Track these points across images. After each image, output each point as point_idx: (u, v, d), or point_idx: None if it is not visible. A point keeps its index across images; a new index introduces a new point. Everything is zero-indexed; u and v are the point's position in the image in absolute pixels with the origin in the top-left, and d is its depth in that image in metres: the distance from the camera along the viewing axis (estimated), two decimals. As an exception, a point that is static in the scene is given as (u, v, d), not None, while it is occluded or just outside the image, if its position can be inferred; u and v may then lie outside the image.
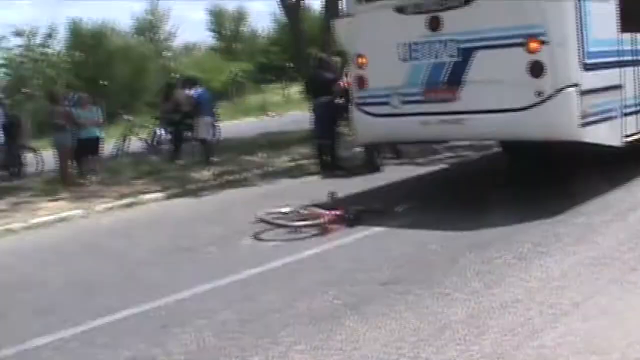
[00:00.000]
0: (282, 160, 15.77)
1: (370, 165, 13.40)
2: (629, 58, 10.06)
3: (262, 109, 34.86)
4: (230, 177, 14.09)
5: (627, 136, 9.92)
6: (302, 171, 14.46)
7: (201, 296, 7.05)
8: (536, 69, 8.70)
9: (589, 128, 8.95)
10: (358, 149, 15.06)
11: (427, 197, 10.68)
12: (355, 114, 10.48)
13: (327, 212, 9.26)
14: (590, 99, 8.96)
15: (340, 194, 10.73)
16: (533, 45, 8.70)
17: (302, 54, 18.68)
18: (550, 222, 8.43)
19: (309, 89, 14.79)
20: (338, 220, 9.22)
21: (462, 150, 14.53)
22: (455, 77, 9.27)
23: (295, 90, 35.25)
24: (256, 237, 9.10)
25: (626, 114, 9.90)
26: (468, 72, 9.16)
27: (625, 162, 10.33)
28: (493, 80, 8.99)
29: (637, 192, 9.74)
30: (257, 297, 6.86)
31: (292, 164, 15.24)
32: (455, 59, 9.24)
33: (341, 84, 13.74)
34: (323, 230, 8.98)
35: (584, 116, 8.83)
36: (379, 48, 9.90)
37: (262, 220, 9.22)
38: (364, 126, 10.36)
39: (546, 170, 11.09)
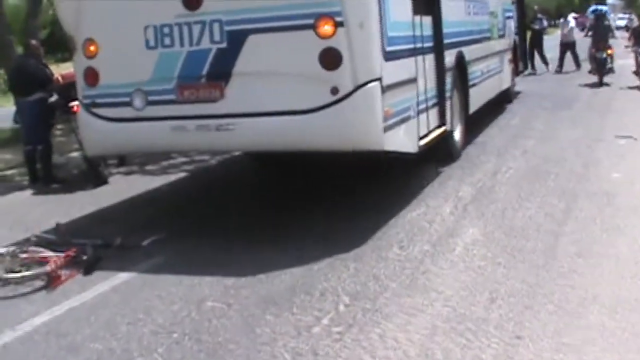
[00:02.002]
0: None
1: (94, 177, 10.73)
2: (420, 45, 8.36)
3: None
4: None
5: (421, 138, 8.23)
6: (7, 185, 11.49)
7: None
8: (330, 59, 6.71)
9: (389, 133, 7.15)
10: (76, 155, 12.39)
11: (175, 221, 8.38)
12: (83, 117, 7.91)
13: (55, 256, 6.70)
14: (391, 96, 7.14)
15: (63, 219, 8.25)
16: (326, 27, 6.71)
17: (4, 40, 15.32)
18: (347, 257, 6.59)
19: (13, 83, 11.70)
20: (70, 263, 6.68)
21: (198, 155, 12.11)
22: (221, 70, 7.07)
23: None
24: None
25: (419, 112, 8.20)
26: (238, 62, 6.99)
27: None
28: (272, 72, 6.91)
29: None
30: None
31: (-4, 174, 12.17)
32: (220, 46, 7.04)
33: (58, 77, 11.01)
34: (51, 281, 6.42)
35: (385, 118, 6.95)
36: (116, 31, 7.46)
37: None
38: (96, 133, 7.82)
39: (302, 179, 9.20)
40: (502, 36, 14.47)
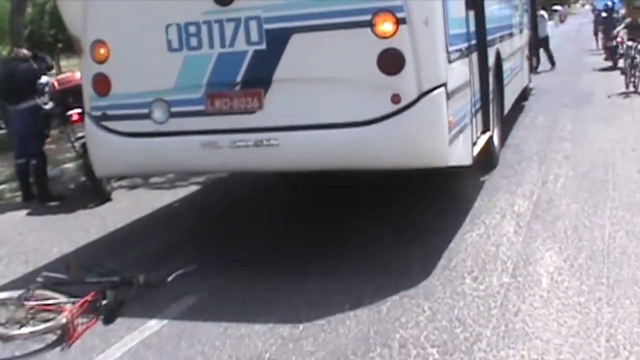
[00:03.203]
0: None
1: (96, 193, 9.66)
2: (470, 43, 7.41)
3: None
4: None
5: (473, 145, 7.29)
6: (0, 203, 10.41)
7: None
8: (390, 62, 5.71)
9: (452, 146, 6.17)
10: (71, 166, 11.33)
11: (198, 247, 7.34)
12: (92, 131, 6.84)
13: (70, 301, 5.69)
14: (453, 103, 6.19)
15: (66, 246, 7.42)
16: (385, 24, 5.69)
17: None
18: (415, 293, 5.59)
19: (2, 90, 10.54)
20: (87, 310, 5.66)
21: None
22: (259, 76, 6.05)
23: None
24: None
25: (471, 119, 7.26)
26: (279, 67, 5.97)
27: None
28: (320, 79, 5.92)
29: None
30: None
31: (-16, 191, 11.04)
32: (258, 47, 6.00)
33: (54, 83, 9.97)
34: (66, 335, 5.39)
35: (450, 129, 5.98)
36: (131, 31, 6.41)
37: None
38: (107, 151, 6.76)
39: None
40: (522, 31, 13.53)
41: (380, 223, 7.35)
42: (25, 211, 9.74)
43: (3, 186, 11.03)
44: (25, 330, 5.40)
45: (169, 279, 6.22)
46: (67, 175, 11.36)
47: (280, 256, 6.68)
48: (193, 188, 10.15)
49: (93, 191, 9.67)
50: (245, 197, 9.34)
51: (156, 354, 5.04)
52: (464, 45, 6.85)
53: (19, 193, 10.41)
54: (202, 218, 8.69)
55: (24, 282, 6.40)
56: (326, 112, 5.87)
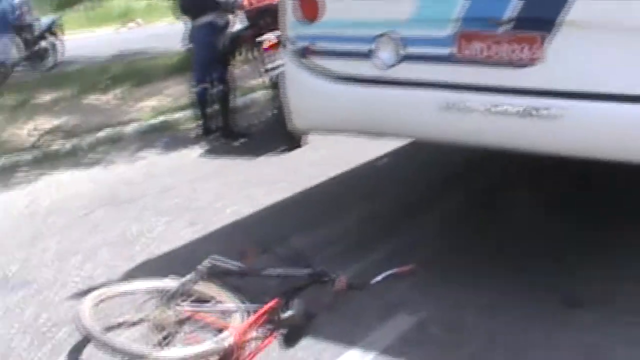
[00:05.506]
0: (143, 110, 10.12)
1: (287, 136, 7.89)
2: None
3: (126, 16, 28.05)
4: (57, 145, 8.45)
5: None
6: (172, 136, 8.94)
7: None
8: None
9: None
10: (261, 94, 9.71)
11: (420, 233, 5.41)
12: (291, 70, 5.13)
13: (243, 312, 4.02)
14: None
15: (244, 206, 5.96)
16: None
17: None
18: None
19: (185, 6, 8.89)
20: (263, 324, 3.97)
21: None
22: (540, 13, 4.07)
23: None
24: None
25: None
26: (571, 4, 3.90)
27: None
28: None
29: None
30: None
31: (157, 119, 9.59)
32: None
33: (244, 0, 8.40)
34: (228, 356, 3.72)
35: None
36: None
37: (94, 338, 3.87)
38: (310, 99, 5.04)
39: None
40: None
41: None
42: (200, 150, 8.24)
43: (179, 114, 9.56)
44: (171, 353, 3.77)
45: (375, 280, 4.37)
46: (256, 106, 9.75)
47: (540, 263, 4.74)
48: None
49: (283, 133, 7.95)
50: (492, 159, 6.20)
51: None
52: None
53: (196, 125, 8.90)
54: (424, 185, 6.60)
55: (184, 259, 4.83)
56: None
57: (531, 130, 4.15)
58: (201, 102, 8.77)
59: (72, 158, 8.08)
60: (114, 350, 3.70)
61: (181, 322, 3.99)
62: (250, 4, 8.68)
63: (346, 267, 4.49)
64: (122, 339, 3.86)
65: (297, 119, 5.20)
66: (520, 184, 5.97)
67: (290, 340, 3.99)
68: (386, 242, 5.17)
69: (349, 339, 4.05)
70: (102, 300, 4.10)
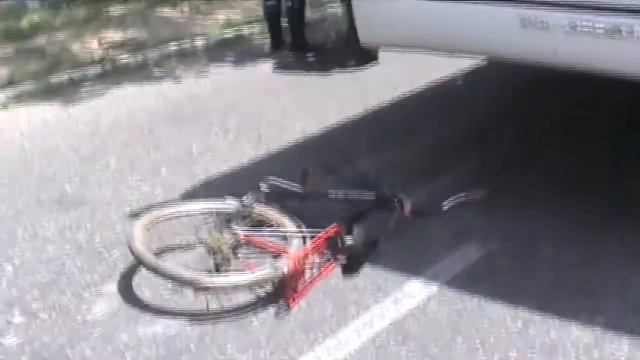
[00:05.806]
0: (214, 24, 9.86)
1: (362, 53, 7.55)
2: None
3: None
4: (124, 59, 8.30)
5: None
6: (241, 50, 8.68)
7: None
8: None
9: None
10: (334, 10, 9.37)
11: (494, 159, 5.12)
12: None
13: (300, 237, 3.85)
14: None
15: (310, 124, 5.76)
16: None
17: None
18: None
19: None
20: (322, 249, 3.80)
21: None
22: None
23: None
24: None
25: None
26: None
27: None
28: None
29: None
30: None
31: (227, 33, 9.33)
32: None
33: None
34: (284, 290, 3.62)
35: None
36: None
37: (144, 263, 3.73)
38: (379, 12, 4.69)
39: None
40: None
41: None
42: (270, 65, 7.97)
43: (250, 29, 9.28)
44: (224, 279, 3.61)
45: (444, 206, 4.14)
46: (330, 21, 9.41)
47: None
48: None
49: (357, 49, 7.61)
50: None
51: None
52: None
53: (267, 40, 8.63)
54: (499, 106, 6.27)
55: (245, 179, 4.66)
56: None
57: (620, 52, 3.77)
58: (271, 15, 8.48)
59: (139, 72, 7.91)
60: (164, 275, 3.57)
61: (237, 246, 3.84)
62: None
63: (413, 191, 4.24)
64: (173, 264, 3.72)
65: (362, 34, 4.91)
66: (606, 109, 5.58)
67: (350, 268, 3.83)
68: (456, 168, 4.90)
69: (413, 269, 3.84)
70: (157, 222, 3.96)
